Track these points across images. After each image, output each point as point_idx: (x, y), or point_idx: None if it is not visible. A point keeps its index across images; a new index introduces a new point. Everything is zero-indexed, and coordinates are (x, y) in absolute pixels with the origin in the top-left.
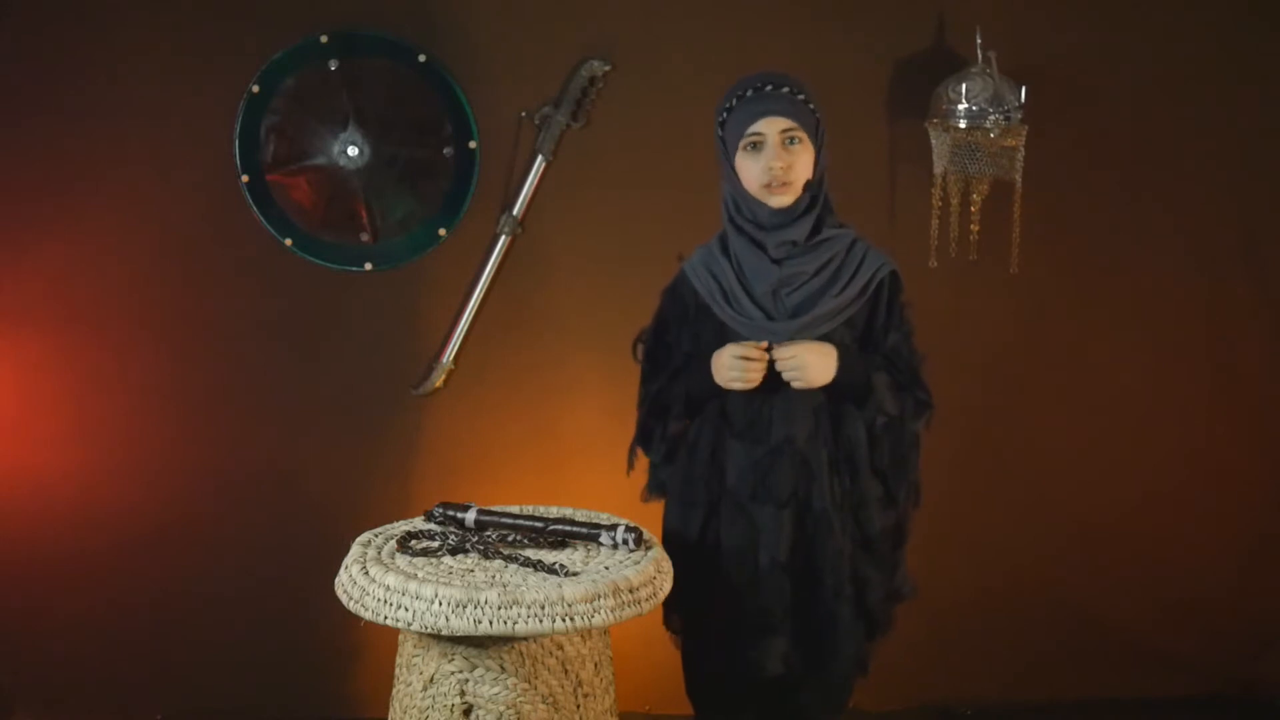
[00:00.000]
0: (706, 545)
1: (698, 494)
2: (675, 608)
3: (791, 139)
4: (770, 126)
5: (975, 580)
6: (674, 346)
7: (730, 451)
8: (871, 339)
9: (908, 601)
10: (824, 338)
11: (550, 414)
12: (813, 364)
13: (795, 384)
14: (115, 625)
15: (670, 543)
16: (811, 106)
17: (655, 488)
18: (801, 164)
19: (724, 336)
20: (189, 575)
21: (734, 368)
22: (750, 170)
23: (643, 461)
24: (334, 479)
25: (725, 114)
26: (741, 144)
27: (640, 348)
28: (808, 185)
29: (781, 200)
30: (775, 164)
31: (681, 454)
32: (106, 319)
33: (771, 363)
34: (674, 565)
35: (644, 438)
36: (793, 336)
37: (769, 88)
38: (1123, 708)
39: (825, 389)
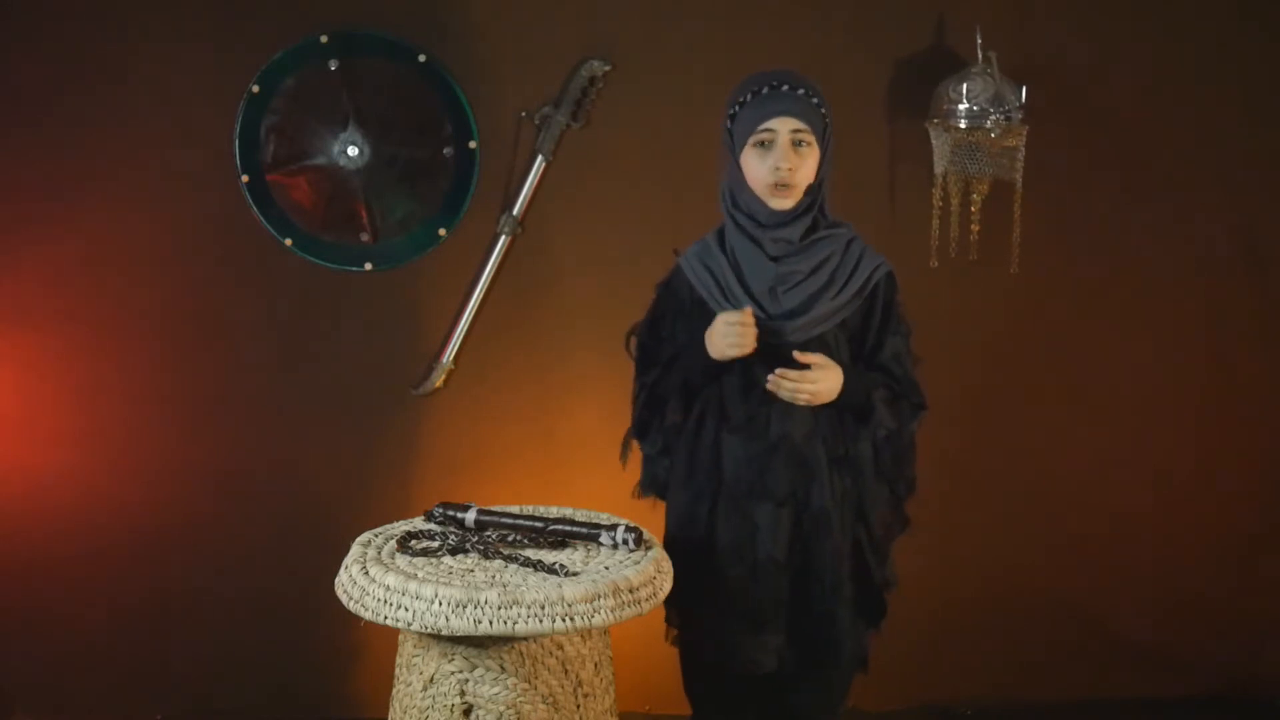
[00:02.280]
0: (704, 540)
1: (703, 482)
2: (673, 602)
3: (800, 141)
4: (782, 126)
5: (975, 580)
6: (668, 340)
7: (727, 446)
8: (866, 340)
9: (900, 595)
10: (818, 338)
11: (550, 414)
12: (827, 388)
13: (800, 400)
14: (115, 625)
15: (676, 532)
16: (823, 111)
17: (648, 485)
18: (807, 167)
19: None
20: (189, 575)
21: (727, 335)
22: (757, 169)
23: (636, 457)
24: (334, 479)
25: (737, 107)
26: (751, 141)
27: (633, 340)
28: (809, 188)
29: (783, 203)
30: (783, 165)
31: (683, 443)
32: (106, 319)
33: (762, 333)
34: (676, 556)
35: (640, 429)
36: (790, 336)
37: (784, 87)
38: (1123, 708)
39: (826, 405)
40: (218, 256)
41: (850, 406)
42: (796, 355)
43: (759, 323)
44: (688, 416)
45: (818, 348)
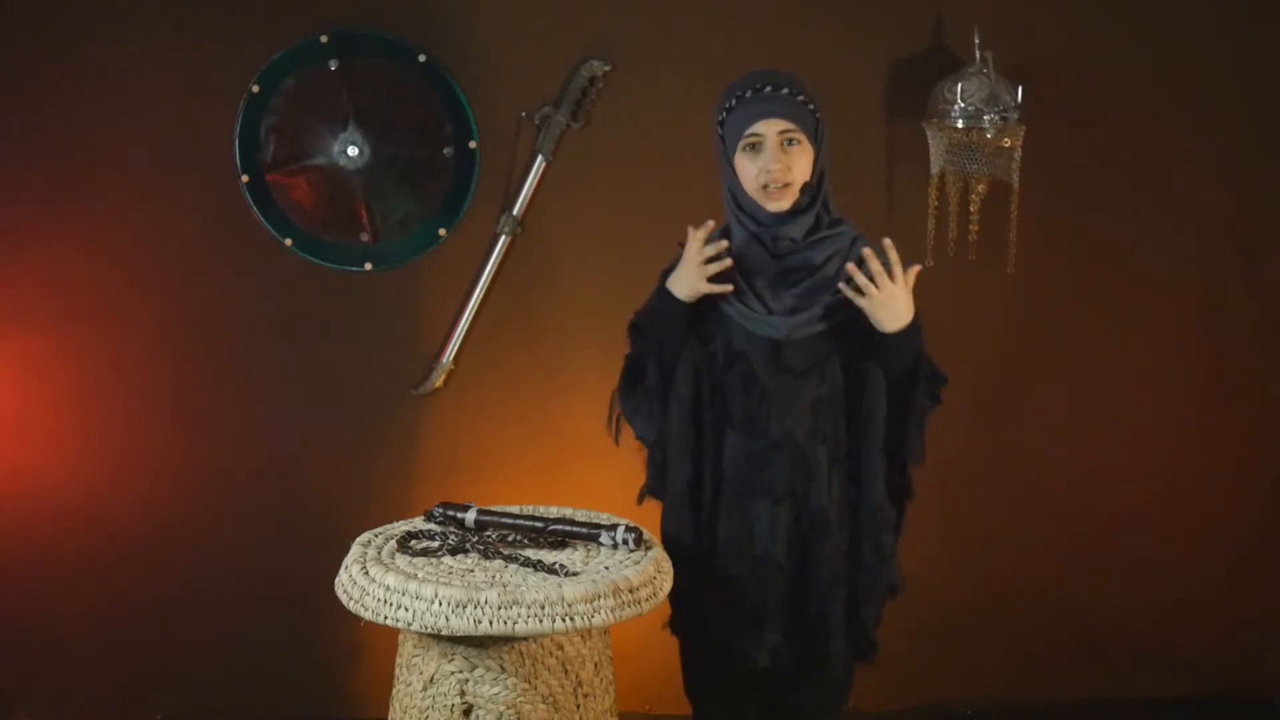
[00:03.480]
0: (702, 537)
1: (702, 478)
2: (673, 599)
3: (790, 140)
4: (769, 128)
5: (975, 580)
6: None
7: (727, 442)
8: (869, 340)
9: (900, 595)
10: (820, 335)
11: (550, 414)
12: (903, 306)
13: (877, 315)
14: (115, 625)
15: (673, 529)
16: (811, 107)
17: (652, 489)
18: (800, 165)
19: (723, 326)
20: (189, 575)
21: (695, 263)
22: (748, 171)
23: (640, 460)
24: (334, 479)
25: (725, 113)
26: (740, 144)
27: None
28: (806, 186)
29: (779, 204)
30: (773, 166)
31: (683, 440)
32: (106, 319)
33: (762, 321)
34: (673, 553)
35: (626, 398)
36: (792, 332)
37: (768, 89)
38: (1123, 708)
39: (876, 354)
40: (218, 256)
41: (905, 351)
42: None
43: (761, 322)
44: (668, 382)
45: (817, 344)
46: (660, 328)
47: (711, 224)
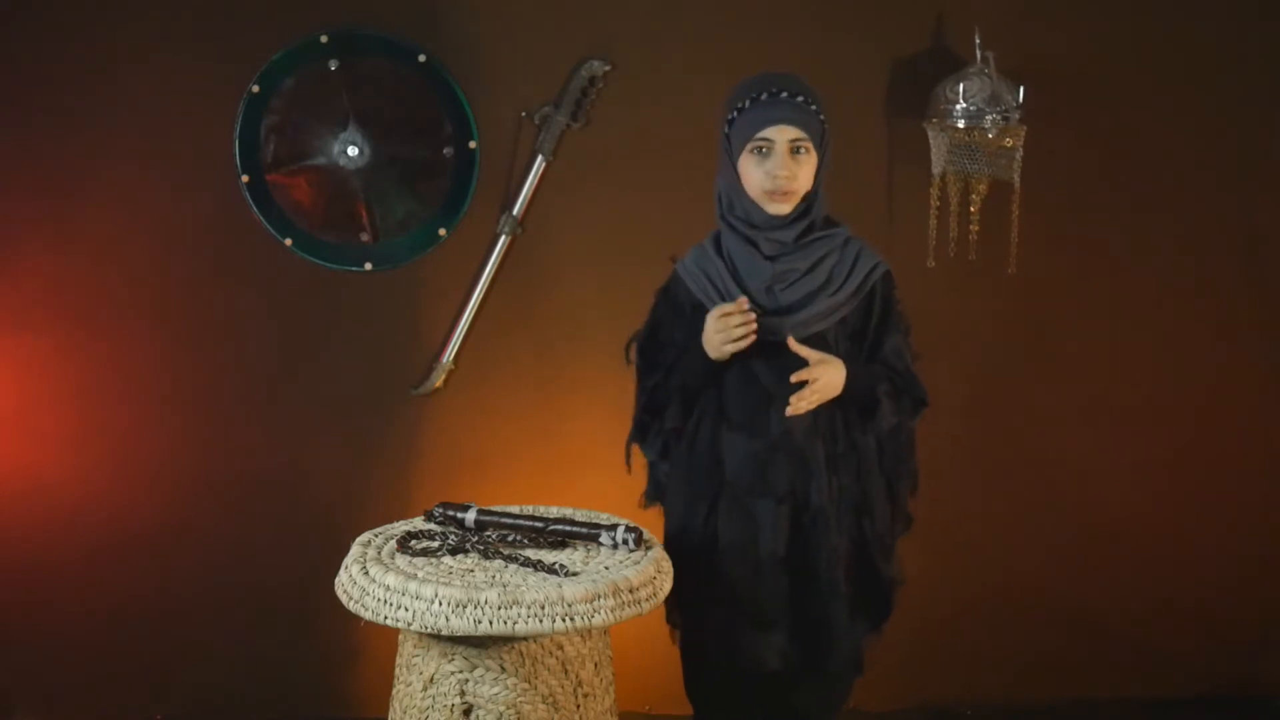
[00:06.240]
0: (706, 539)
1: (700, 484)
2: (675, 603)
3: (799, 148)
4: (780, 134)
5: (975, 580)
6: (667, 345)
7: (729, 444)
8: (865, 338)
9: (900, 590)
10: (818, 336)
11: (550, 414)
12: (828, 383)
13: (814, 404)
14: (115, 625)
15: (674, 536)
16: (821, 118)
17: (654, 495)
18: (805, 174)
19: None
20: (189, 575)
21: (721, 329)
22: (753, 175)
23: (641, 462)
24: (334, 479)
25: (736, 113)
26: (748, 147)
27: (633, 348)
28: (806, 195)
29: (780, 209)
30: (781, 173)
31: (682, 447)
32: (106, 319)
33: (760, 322)
34: (676, 558)
35: (640, 433)
36: (789, 333)
37: (784, 94)
38: (1123, 708)
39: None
40: (218, 256)
41: (855, 400)
42: (790, 343)
43: (757, 318)
44: (687, 421)
45: (817, 345)
46: (690, 375)
47: (744, 299)
